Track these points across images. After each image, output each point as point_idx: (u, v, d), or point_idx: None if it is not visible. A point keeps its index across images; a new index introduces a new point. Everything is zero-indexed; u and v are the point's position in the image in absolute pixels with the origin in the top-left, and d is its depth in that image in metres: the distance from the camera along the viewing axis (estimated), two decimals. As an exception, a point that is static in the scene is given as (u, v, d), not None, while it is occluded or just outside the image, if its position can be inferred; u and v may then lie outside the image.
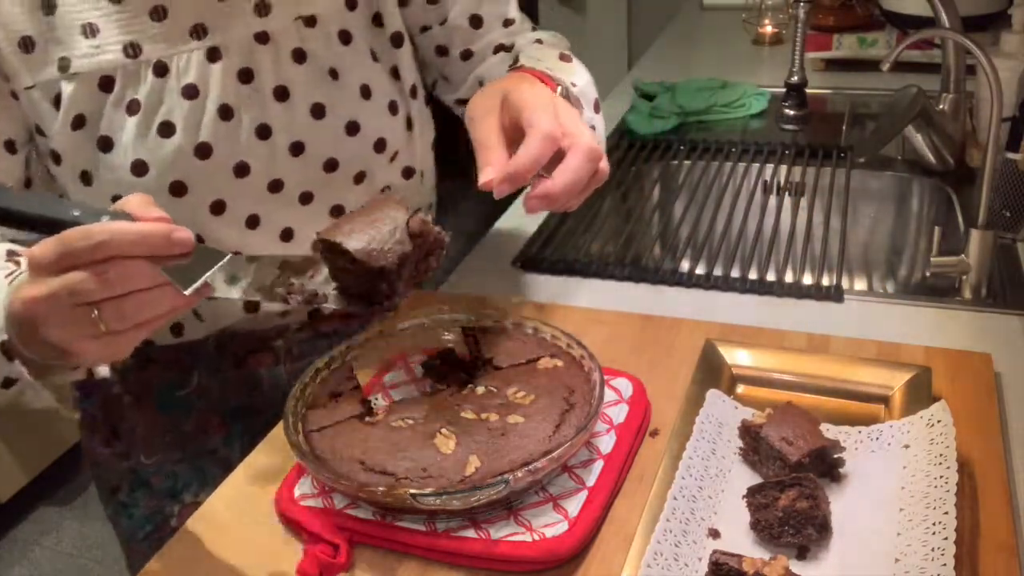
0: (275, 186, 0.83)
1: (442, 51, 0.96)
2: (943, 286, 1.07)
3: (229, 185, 0.81)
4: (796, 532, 0.63)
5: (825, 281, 1.01)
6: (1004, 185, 1.09)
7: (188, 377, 0.92)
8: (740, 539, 0.65)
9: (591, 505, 0.67)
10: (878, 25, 1.69)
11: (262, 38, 0.80)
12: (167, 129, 0.78)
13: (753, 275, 1.05)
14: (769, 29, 1.89)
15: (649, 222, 1.32)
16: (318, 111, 0.83)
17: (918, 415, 0.71)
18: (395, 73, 0.90)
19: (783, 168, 1.32)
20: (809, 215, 1.23)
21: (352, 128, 0.85)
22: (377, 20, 0.88)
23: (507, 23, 0.98)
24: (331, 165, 0.85)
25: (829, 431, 0.71)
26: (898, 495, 0.66)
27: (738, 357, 0.83)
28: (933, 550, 0.59)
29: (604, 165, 0.72)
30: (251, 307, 0.89)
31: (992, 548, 0.63)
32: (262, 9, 0.80)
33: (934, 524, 0.61)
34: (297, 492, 0.71)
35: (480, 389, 0.75)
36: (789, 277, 1.06)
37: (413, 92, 0.92)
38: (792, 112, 1.46)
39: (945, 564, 0.58)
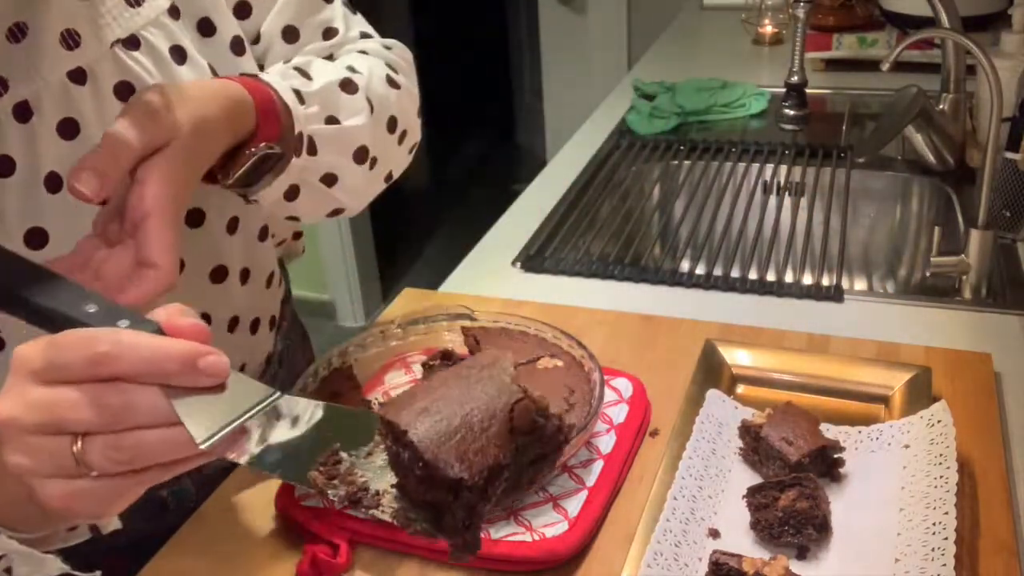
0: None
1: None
2: (943, 286, 1.07)
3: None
4: (796, 532, 0.63)
5: (825, 281, 1.01)
6: (1004, 185, 1.09)
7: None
8: (740, 539, 0.65)
9: (591, 505, 0.67)
10: (878, 25, 1.69)
11: (78, 77, 0.63)
12: None
13: (753, 275, 1.05)
14: (769, 29, 1.89)
15: (649, 222, 1.32)
16: None
17: (918, 415, 0.71)
18: None
19: (783, 168, 1.32)
20: (809, 215, 1.23)
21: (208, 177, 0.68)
22: (205, 27, 0.71)
23: (328, 33, 0.79)
24: (195, 220, 0.70)
25: (829, 431, 0.71)
26: (898, 495, 0.66)
27: (738, 357, 0.83)
28: (933, 550, 0.59)
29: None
30: None
31: (992, 548, 0.63)
32: (69, 39, 0.62)
33: (934, 524, 0.61)
34: (297, 492, 0.71)
35: (480, 389, 0.75)
36: (789, 277, 1.06)
37: None
38: (792, 112, 1.46)
39: (945, 564, 0.58)
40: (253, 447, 0.46)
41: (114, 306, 0.47)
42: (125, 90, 0.65)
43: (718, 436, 0.73)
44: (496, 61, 3.79)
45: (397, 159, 0.80)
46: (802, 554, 0.63)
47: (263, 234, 0.79)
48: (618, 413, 0.76)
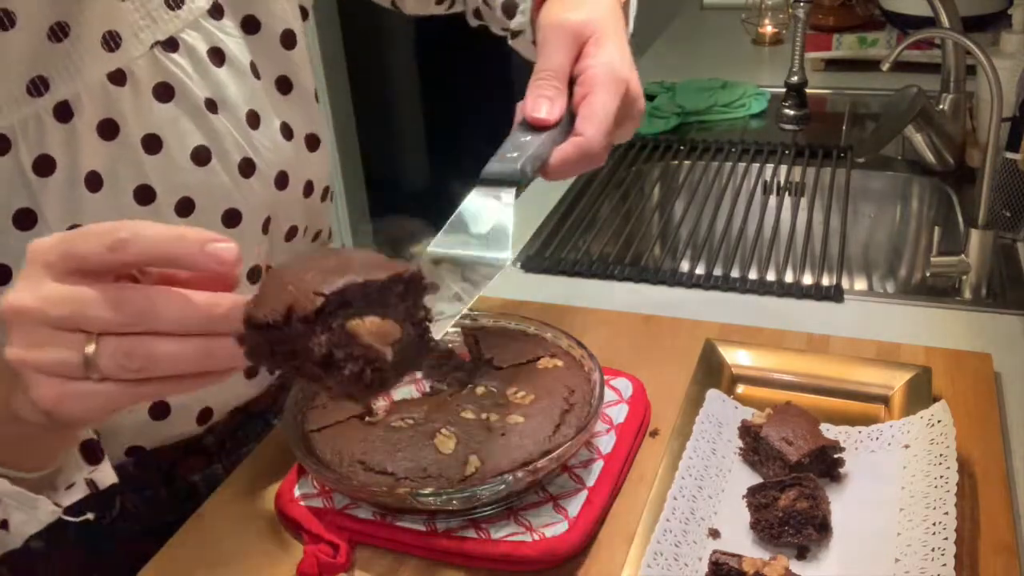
0: None
1: None
2: (943, 286, 1.07)
3: None
4: (796, 532, 0.63)
5: (825, 281, 1.01)
6: (1004, 185, 1.09)
7: (110, 502, 0.74)
8: (740, 539, 0.65)
9: (591, 505, 0.67)
10: (878, 25, 1.69)
11: (118, 78, 0.64)
12: (26, 218, 0.62)
13: (753, 275, 1.05)
14: (769, 29, 1.89)
15: (649, 222, 1.32)
16: (200, 156, 0.68)
17: (918, 415, 0.71)
18: (285, 84, 0.74)
19: (783, 168, 1.32)
20: (809, 215, 1.23)
21: (246, 168, 0.70)
22: (249, 24, 0.72)
23: None
24: (231, 217, 0.71)
25: (829, 431, 0.71)
26: (898, 495, 0.66)
27: (738, 357, 0.83)
28: (933, 550, 0.59)
29: (638, 100, 0.65)
30: (159, 413, 0.72)
31: (992, 548, 0.63)
32: (111, 41, 0.64)
33: (934, 524, 0.61)
34: (297, 492, 0.71)
35: (480, 389, 0.75)
36: (789, 277, 1.06)
37: (315, 97, 0.78)
38: (792, 112, 1.46)
39: (945, 564, 0.58)
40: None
41: None
42: (164, 91, 0.66)
43: (718, 436, 0.73)
44: (497, 60, 3.79)
45: None
46: (802, 554, 0.63)
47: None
48: (618, 413, 0.76)
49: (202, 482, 0.80)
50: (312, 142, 0.77)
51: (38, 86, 0.61)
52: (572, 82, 0.64)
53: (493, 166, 0.60)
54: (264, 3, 0.72)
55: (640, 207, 1.32)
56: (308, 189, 0.77)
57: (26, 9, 0.59)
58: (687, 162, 1.38)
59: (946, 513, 0.61)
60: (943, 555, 0.58)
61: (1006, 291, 1.00)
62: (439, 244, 0.58)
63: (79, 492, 0.56)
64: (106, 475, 0.58)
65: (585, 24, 0.64)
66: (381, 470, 0.67)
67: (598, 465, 0.71)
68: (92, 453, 0.58)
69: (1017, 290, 0.99)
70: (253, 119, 0.71)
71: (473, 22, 0.91)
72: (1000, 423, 0.75)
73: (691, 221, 1.25)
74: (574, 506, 0.67)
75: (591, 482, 0.69)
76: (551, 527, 0.65)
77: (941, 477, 0.64)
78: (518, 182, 0.60)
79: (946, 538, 0.59)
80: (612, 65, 0.63)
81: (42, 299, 0.43)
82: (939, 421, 0.69)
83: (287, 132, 0.74)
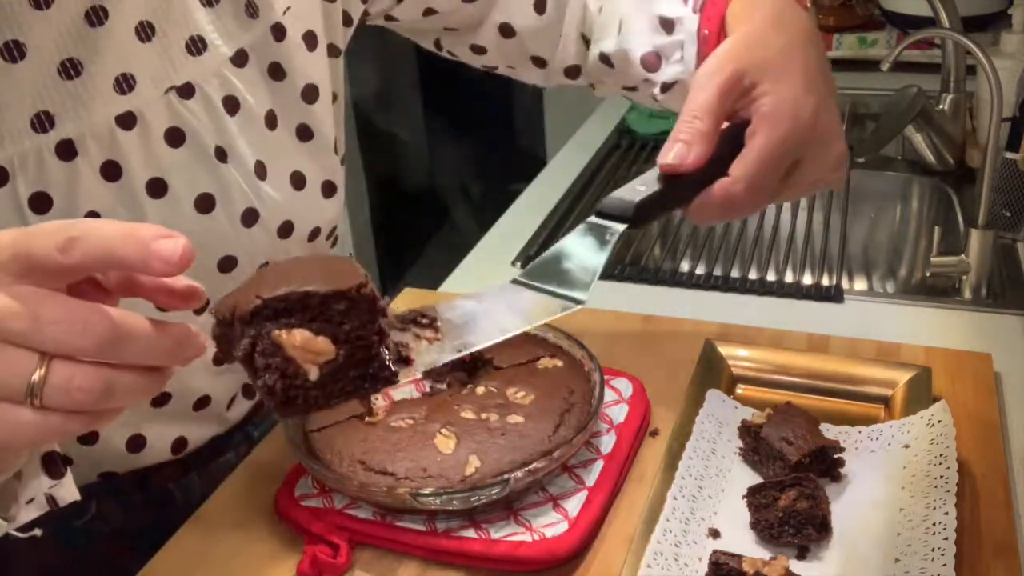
0: None
1: (430, 11, 0.81)
2: (943, 286, 1.07)
3: None
4: (796, 532, 0.63)
5: (825, 281, 1.01)
6: (1004, 185, 1.09)
7: (86, 504, 0.73)
8: (740, 539, 0.65)
9: (591, 505, 0.67)
10: (878, 25, 1.69)
11: (127, 121, 0.62)
12: None
13: (753, 275, 1.05)
14: (769, 29, 1.88)
15: (649, 222, 1.32)
16: (204, 203, 0.66)
17: (918, 415, 0.71)
18: (305, 133, 0.72)
19: (783, 168, 1.32)
20: (809, 215, 1.23)
21: (249, 217, 0.68)
22: (275, 71, 0.69)
23: None
24: (227, 265, 0.69)
25: (829, 431, 0.71)
26: (898, 495, 0.66)
27: (738, 357, 0.83)
28: (933, 550, 0.59)
29: (828, 146, 0.59)
30: (135, 447, 0.71)
31: (992, 548, 0.63)
32: (124, 83, 0.61)
33: (934, 524, 0.61)
34: (297, 492, 0.71)
35: (480, 389, 0.75)
36: (789, 277, 1.06)
37: (334, 148, 0.75)
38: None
39: (945, 564, 0.58)
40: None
41: None
42: (175, 136, 0.64)
43: (718, 436, 0.73)
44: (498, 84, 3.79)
45: None
46: (802, 554, 0.63)
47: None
48: (618, 413, 0.76)
49: (177, 490, 0.78)
50: (328, 189, 0.74)
51: (43, 121, 0.58)
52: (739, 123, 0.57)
53: (610, 197, 0.55)
54: (287, 53, 0.69)
55: (640, 207, 1.32)
56: (314, 234, 0.74)
57: (39, 42, 0.57)
58: (687, 162, 1.38)
59: (946, 513, 0.61)
60: (943, 555, 0.58)
61: (1006, 291, 1.00)
62: (527, 272, 0.54)
63: (36, 509, 0.50)
64: (68, 492, 0.52)
65: (746, 48, 0.58)
66: (381, 470, 0.67)
67: (598, 465, 0.71)
68: (54, 466, 0.51)
69: (1017, 290, 0.99)
70: (261, 169, 0.69)
71: (609, 91, 0.85)
72: (1000, 423, 0.75)
73: (691, 221, 1.24)
74: (574, 506, 0.67)
75: (591, 482, 0.69)
76: (551, 527, 0.65)
77: (941, 477, 0.64)
78: (629, 220, 0.54)
79: (946, 538, 0.59)
80: (783, 101, 0.56)
81: None
82: (939, 421, 0.69)
83: (299, 181, 0.72)
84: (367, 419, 0.73)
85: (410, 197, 3.37)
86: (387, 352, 0.47)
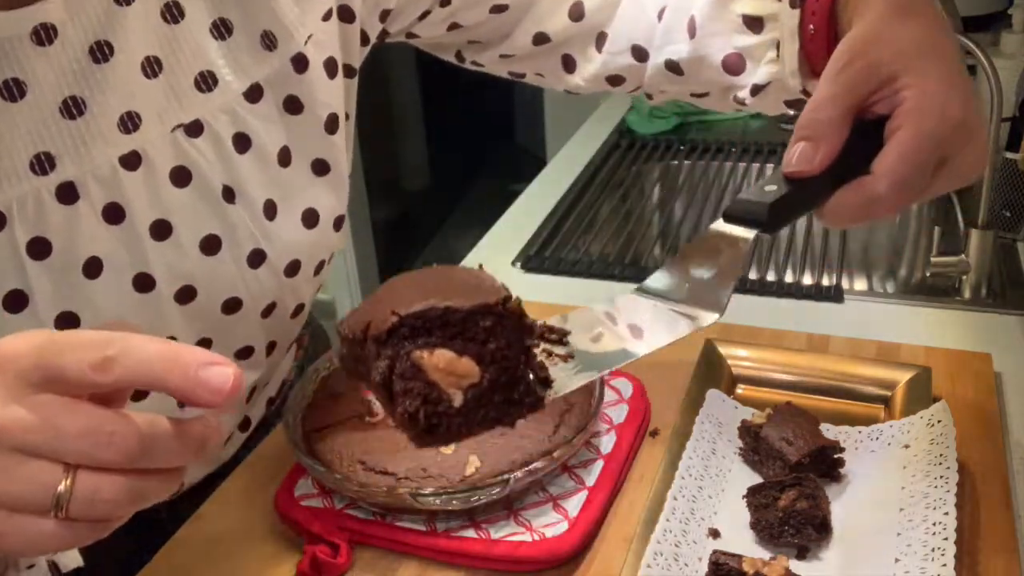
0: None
1: (455, 26, 0.78)
2: (943, 286, 1.07)
3: None
4: (796, 532, 0.63)
5: (825, 281, 1.02)
6: (1004, 185, 1.09)
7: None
8: (740, 539, 0.65)
9: (591, 505, 0.67)
10: (878, 25, 1.68)
11: (131, 161, 0.59)
12: (16, 301, 0.57)
13: (753, 275, 1.05)
14: (769, 29, 1.88)
15: (649, 222, 1.32)
16: (209, 245, 0.64)
17: (918, 415, 0.71)
18: (322, 167, 0.69)
19: (783, 168, 1.32)
20: (809, 215, 1.23)
21: (256, 258, 0.66)
22: (292, 105, 0.66)
23: None
24: (231, 306, 0.67)
25: (829, 431, 0.71)
26: (898, 495, 0.65)
27: (738, 357, 0.83)
28: (933, 550, 0.59)
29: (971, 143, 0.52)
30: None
31: (992, 548, 0.63)
32: (128, 122, 0.59)
33: (934, 524, 0.61)
34: (297, 492, 0.71)
35: (480, 389, 0.75)
36: (789, 277, 1.06)
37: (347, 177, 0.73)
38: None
39: (945, 564, 0.58)
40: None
41: None
42: (181, 176, 0.61)
43: (718, 436, 0.73)
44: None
45: None
46: (802, 554, 0.63)
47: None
48: (618, 413, 0.76)
49: (169, 522, 0.74)
50: (339, 223, 0.73)
51: (43, 163, 0.56)
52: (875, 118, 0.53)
53: (739, 199, 0.51)
54: (308, 86, 0.66)
55: (640, 207, 1.32)
56: (319, 267, 0.73)
57: (40, 80, 0.55)
58: (687, 162, 1.38)
59: (946, 513, 0.61)
60: (943, 555, 0.58)
61: (1006, 291, 1.00)
62: (653, 281, 0.51)
63: (38, 574, 0.50)
64: (71, 558, 0.52)
65: (877, 37, 0.54)
66: (381, 470, 0.67)
67: (598, 465, 0.71)
68: None
69: (1017, 290, 0.99)
70: (271, 209, 0.67)
71: (670, 98, 0.80)
72: (1000, 423, 0.75)
73: (691, 221, 1.25)
74: (574, 506, 0.67)
75: (591, 482, 0.69)
76: (551, 527, 0.65)
77: (941, 477, 0.64)
78: (763, 224, 0.50)
79: (946, 538, 0.59)
80: (928, 95, 0.51)
81: (14, 420, 0.36)
82: (939, 421, 0.69)
83: (311, 219, 0.69)
84: (367, 419, 0.74)
85: (410, 197, 3.38)
86: (532, 374, 0.43)
